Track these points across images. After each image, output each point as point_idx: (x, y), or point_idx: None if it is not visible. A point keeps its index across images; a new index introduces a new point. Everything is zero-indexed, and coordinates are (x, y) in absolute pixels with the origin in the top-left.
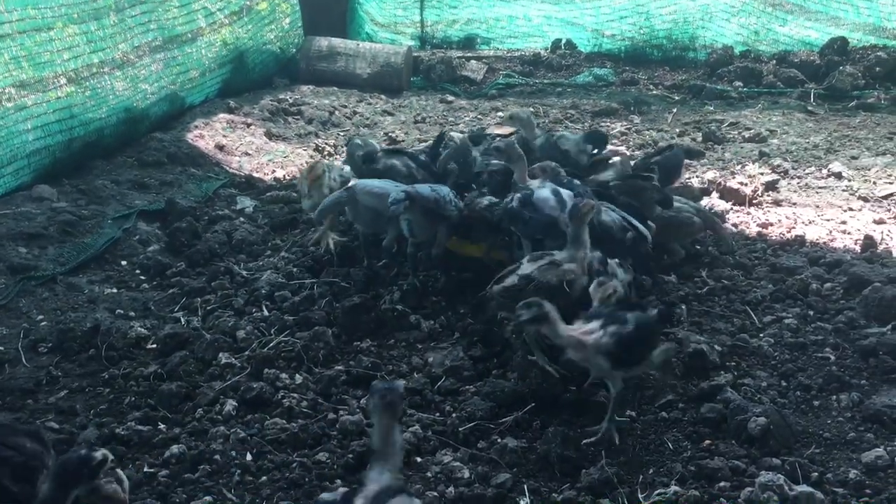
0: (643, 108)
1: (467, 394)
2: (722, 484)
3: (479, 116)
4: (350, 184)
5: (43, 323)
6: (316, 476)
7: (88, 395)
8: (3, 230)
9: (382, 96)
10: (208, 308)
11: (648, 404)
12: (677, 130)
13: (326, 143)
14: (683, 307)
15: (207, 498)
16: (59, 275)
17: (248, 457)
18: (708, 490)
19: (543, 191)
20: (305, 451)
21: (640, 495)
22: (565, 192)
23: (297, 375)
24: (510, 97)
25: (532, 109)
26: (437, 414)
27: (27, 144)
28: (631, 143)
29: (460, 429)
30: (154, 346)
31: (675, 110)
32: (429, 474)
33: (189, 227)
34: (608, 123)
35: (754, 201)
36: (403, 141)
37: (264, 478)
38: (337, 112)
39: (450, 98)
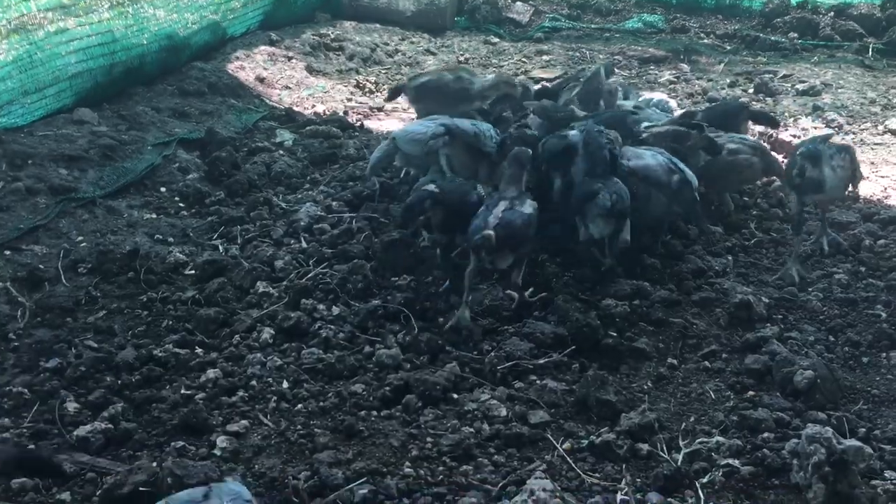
0: (693, 57)
1: (506, 334)
2: (766, 435)
3: (523, 59)
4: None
5: (83, 244)
6: (352, 406)
7: (127, 316)
8: (45, 151)
9: (425, 35)
10: (246, 237)
11: (691, 353)
12: (728, 81)
13: (367, 80)
14: (730, 258)
15: (244, 422)
16: (99, 198)
17: (285, 384)
18: (751, 440)
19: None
20: (341, 381)
21: (680, 442)
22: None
23: (335, 307)
24: (556, 41)
25: (578, 54)
26: (476, 352)
27: (69, 67)
28: (679, 91)
29: (498, 368)
30: (192, 272)
31: (726, 60)
32: (465, 409)
33: (229, 157)
34: (656, 71)
35: None
36: None
37: (300, 405)
38: (378, 49)
39: (494, 40)
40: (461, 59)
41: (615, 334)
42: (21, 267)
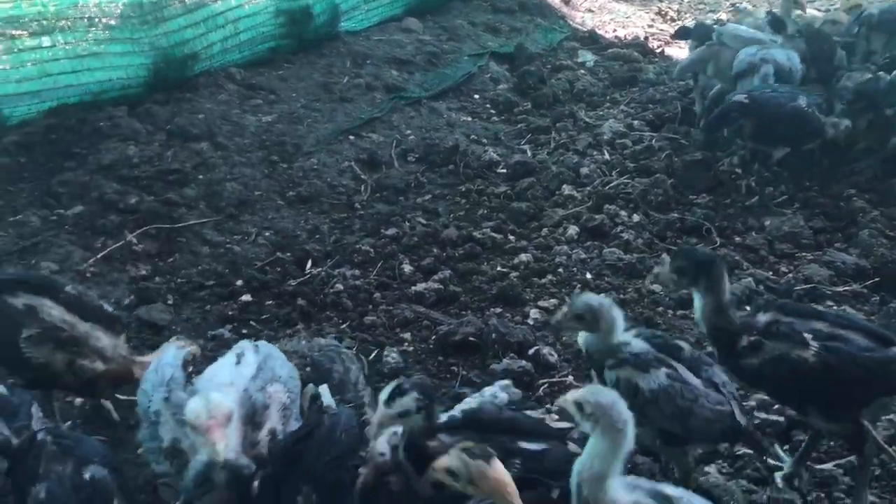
0: None
1: (804, 260)
2: None
3: None
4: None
5: (411, 137)
6: (650, 302)
7: (448, 201)
8: (380, 53)
9: None
10: (553, 145)
11: None
12: None
13: (669, 8)
14: None
15: (553, 300)
16: (423, 98)
17: (588, 275)
18: None
19: None
20: (640, 280)
21: None
22: None
23: (635, 215)
24: None
25: None
26: (771, 273)
27: None
28: None
29: (795, 289)
30: (504, 170)
31: None
32: None
33: (536, 72)
34: None
35: None
36: (751, 16)
37: (601, 294)
38: None
39: None
40: None
41: None
42: (362, 150)
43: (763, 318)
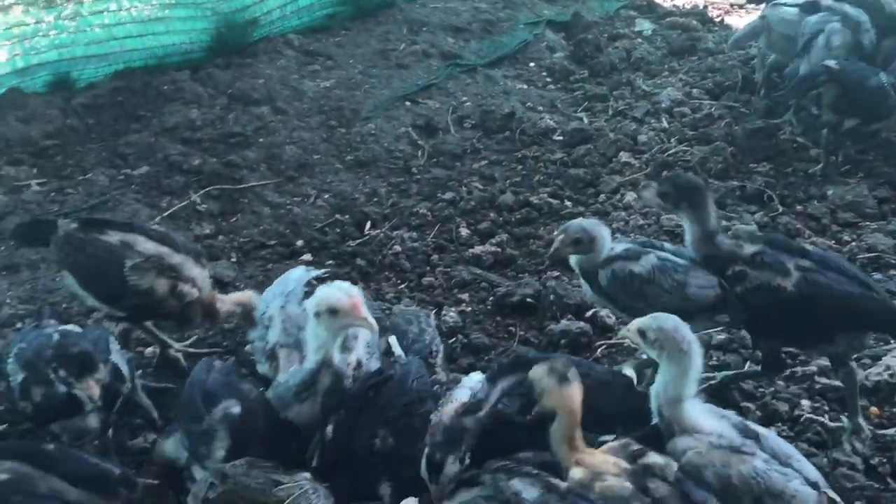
0: None
1: (868, 229)
2: None
3: None
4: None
5: (467, 104)
6: None
7: (505, 167)
8: (436, 20)
9: None
10: (610, 113)
11: None
12: None
13: None
14: None
15: None
16: (479, 66)
17: None
18: None
19: None
20: None
21: None
22: None
23: None
24: None
25: None
26: (834, 242)
27: None
28: None
29: (858, 257)
30: (560, 137)
31: None
32: None
33: (593, 40)
34: None
35: None
36: None
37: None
38: None
39: None
40: None
41: None
42: (419, 116)
43: (750, 248)
